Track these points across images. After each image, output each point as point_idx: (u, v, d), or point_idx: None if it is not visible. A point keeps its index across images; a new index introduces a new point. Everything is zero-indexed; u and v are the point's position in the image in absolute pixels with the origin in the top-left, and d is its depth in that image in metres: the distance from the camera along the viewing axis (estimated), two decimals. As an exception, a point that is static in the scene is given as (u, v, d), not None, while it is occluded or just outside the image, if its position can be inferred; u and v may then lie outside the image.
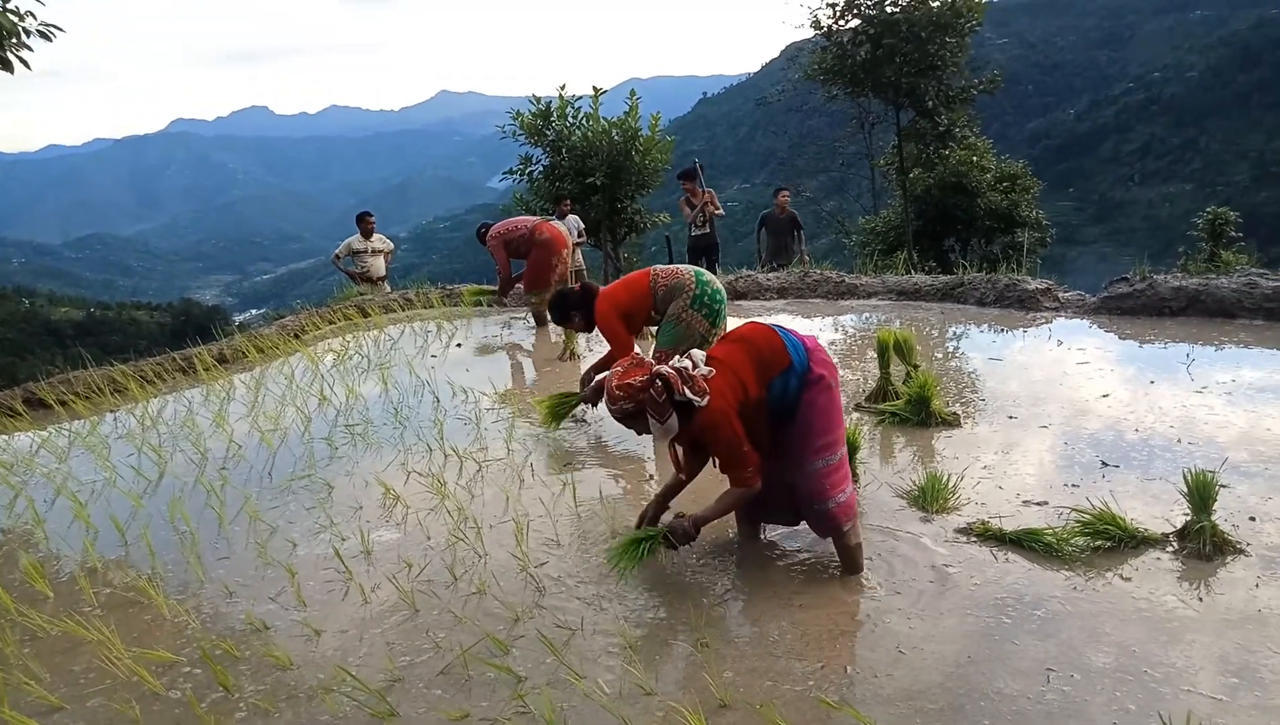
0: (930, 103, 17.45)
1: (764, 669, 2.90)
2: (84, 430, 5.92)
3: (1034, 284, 7.65)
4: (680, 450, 3.48)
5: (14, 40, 7.13)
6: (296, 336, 8.27)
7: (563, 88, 15.71)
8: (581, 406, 5.35)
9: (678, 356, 3.26)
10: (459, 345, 7.72)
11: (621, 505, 4.27)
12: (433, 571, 3.68)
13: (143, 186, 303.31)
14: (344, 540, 4.00)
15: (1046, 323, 7.08)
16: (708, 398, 3.14)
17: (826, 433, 3.35)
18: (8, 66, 7.18)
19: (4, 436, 6.02)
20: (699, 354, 3.27)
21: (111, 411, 6.40)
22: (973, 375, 5.89)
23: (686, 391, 3.11)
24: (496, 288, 8.60)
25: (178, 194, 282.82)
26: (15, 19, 7.12)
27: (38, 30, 7.31)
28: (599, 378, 5.17)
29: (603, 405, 3.25)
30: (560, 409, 5.28)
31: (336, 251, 10.68)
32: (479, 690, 2.90)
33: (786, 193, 11.40)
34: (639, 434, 3.36)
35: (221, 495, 4.57)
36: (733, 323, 5.28)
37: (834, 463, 3.38)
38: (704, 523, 3.42)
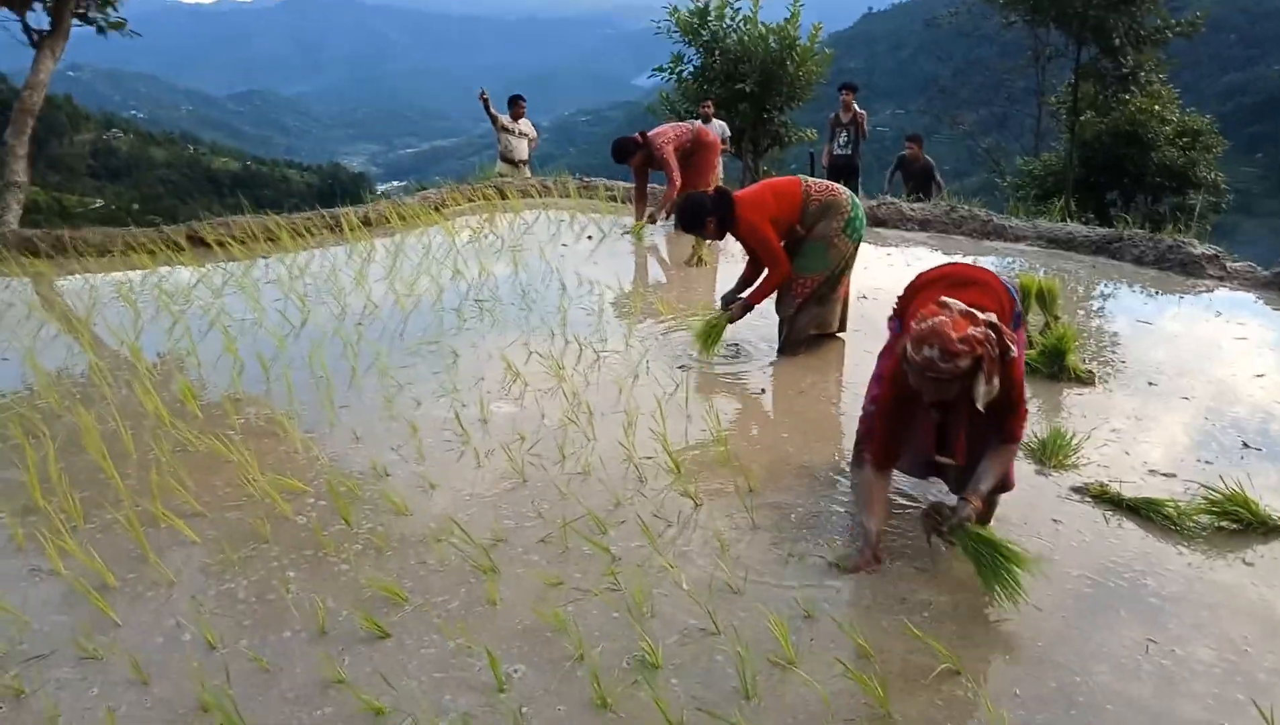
0: (1118, 41, 16.05)
1: (854, 580, 2.93)
2: (238, 271, 6.32)
3: (1200, 249, 7.10)
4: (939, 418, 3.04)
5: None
6: (437, 209, 8.51)
7: (724, -13, 15.20)
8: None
9: (940, 304, 2.78)
10: (590, 237, 7.79)
11: (730, 409, 4.32)
12: (543, 447, 3.83)
13: (306, 49, 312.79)
14: (464, 406, 4.20)
15: (1208, 291, 6.59)
16: (1015, 349, 2.82)
17: (1023, 377, 3.06)
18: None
19: (167, 268, 6.50)
20: (957, 303, 2.79)
21: (264, 257, 6.80)
22: (1116, 336, 5.58)
23: (1010, 344, 2.77)
24: (647, 218, 7.88)
25: (337, 60, 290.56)
26: None
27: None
28: (748, 294, 4.86)
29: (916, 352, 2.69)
30: (713, 335, 4.85)
31: (493, 113, 10.59)
32: (575, 562, 3.04)
33: (914, 147, 11.15)
34: (931, 397, 2.83)
35: (356, 348, 4.84)
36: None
37: (1026, 408, 3.11)
38: (989, 493, 3.06)
